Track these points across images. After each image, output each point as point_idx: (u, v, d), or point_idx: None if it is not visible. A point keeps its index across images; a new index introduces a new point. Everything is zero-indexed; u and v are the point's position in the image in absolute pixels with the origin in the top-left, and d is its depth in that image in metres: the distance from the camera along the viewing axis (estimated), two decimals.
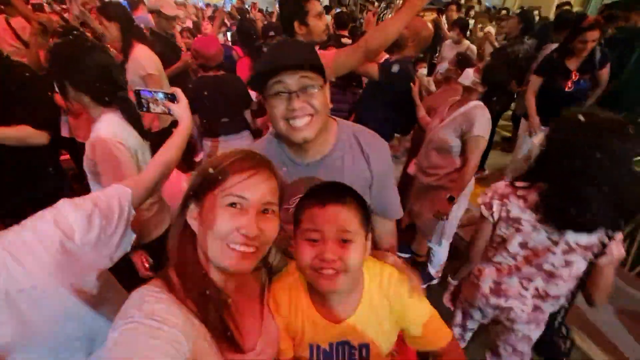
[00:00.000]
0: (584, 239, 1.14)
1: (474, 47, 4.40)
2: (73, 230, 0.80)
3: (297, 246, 0.78)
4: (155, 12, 3.15)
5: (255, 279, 0.87)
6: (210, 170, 0.69)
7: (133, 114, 1.39)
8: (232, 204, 0.68)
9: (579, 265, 1.19)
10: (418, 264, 2.72)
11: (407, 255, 2.82)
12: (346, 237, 0.74)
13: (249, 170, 0.69)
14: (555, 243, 1.18)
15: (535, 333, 1.36)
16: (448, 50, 4.42)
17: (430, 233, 2.43)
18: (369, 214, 0.82)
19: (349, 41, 3.29)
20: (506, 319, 1.37)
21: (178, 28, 4.77)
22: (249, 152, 0.74)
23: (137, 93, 1.24)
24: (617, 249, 1.14)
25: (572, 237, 1.15)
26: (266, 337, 0.80)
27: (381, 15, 6.77)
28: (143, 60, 2.42)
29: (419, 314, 0.86)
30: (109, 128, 1.31)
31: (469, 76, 2.09)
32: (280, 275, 0.91)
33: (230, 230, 0.67)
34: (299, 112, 0.87)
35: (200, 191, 0.70)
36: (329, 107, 0.94)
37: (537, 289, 1.28)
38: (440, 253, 2.52)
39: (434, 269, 2.60)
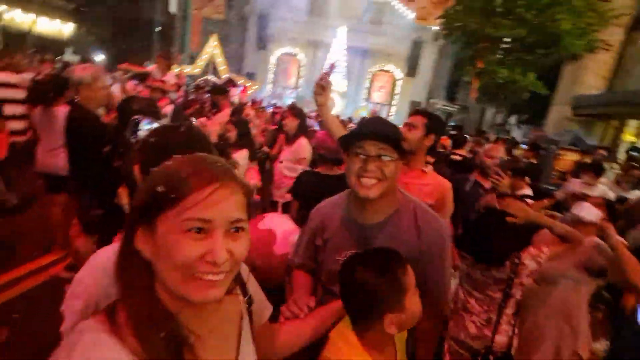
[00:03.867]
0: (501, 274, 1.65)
1: (611, 193, 4.00)
2: None
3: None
4: None
5: (229, 302, 0.72)
6: (160, 188, 0.54)
7: None
8: (194, 229, 0.54)
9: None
10: None
11: None
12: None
13: (211, 184, 0.55)
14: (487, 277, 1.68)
15: None
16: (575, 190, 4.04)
17: None
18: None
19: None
20: None
21: None
22: (205, 159, 0.60)
23: (136, 123, 1.26)
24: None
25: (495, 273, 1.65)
26: None
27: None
28: (304, 147, 3.29)
29: None
30: None
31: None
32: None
33: (194, 260, 0.54)
34: (369, 174, 1.01)
35: (148, 214, 0.56)
36: (396, 178, 1.07)
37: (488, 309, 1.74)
38: None
39: None
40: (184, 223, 0.53)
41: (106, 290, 0.69)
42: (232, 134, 3.34)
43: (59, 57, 9.75)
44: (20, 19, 12.88)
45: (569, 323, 1.75)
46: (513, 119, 14.86)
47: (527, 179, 3.88)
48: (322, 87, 1.61)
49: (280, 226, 2.36)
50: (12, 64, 3.72)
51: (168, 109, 4.28)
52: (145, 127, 1.27)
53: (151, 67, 5.88)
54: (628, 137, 9.21)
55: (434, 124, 1.86)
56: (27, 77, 4.41)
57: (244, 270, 0.81)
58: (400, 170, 1.08)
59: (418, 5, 14.08)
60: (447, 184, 1.87)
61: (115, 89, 4.70)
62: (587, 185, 3.97)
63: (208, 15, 14.30)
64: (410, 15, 15.75)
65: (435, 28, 10.81)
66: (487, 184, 2.51)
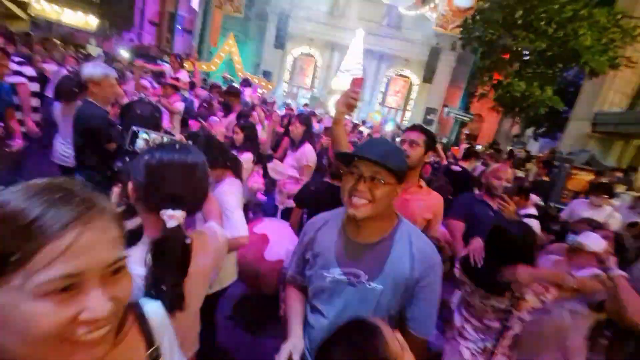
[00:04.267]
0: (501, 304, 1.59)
1: (618, 216, 3.78)
2: None
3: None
4: None
5: (121, 353, 0.57)
6: None
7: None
8: (59, 289, 0.40)
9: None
10: None
11: None
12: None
13: (73, 225, 0.41)
14: (485, 305, 1.62)
15: None
16: (580, 210, 3.83)
17: None
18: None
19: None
20: None
21: None
22: (60, 188, 0.44)
23: (135, 133, 1.27)
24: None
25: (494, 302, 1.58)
26: None
27: None
28: (309, 154, 3.35)
29: None
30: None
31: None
32: None
33: (63, 325, 0.41)
34: (359, 193, 1.03)
35: None
36: (389, 203, 1.08)
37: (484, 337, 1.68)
38: None
39: None
40: (39, 288, 0.39)
41: None
42: (239, 137, 3.38)
43: (82, 49, 10.00)
44: (47, 10, 13.30)
45: (564, 355, 1.70)
46: (530, 131, 14.54)
47: (533, 197, 3.80)
48: (350, 105, 1.50)
49: (276, 232, 2.39)
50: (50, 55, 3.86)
51: (180, 106, 4.39)
52: (142, 136, 1.30)
53: (165, 66, 5.98)
54: None
55: (432, 141, 1.93)
56: (48, 68, 4.57)
57: (162, 318, 0.72)
58: (395, 195, 1.09)
59: (438, 12, 13.91)
60: (440, 198, 1.94)
61: (130, 86, 4.82)
62: (593, 206, 3.84)
63: (227, 13, 14.45)
64: (431, 21, 15.56)
65: (454, 36, 10.67)
66: (494, 205, 2.48)
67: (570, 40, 6.93)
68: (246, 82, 7.78)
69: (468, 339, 1.70)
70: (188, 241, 0.88)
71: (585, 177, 5.45)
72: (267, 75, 16.11)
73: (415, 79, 19.12)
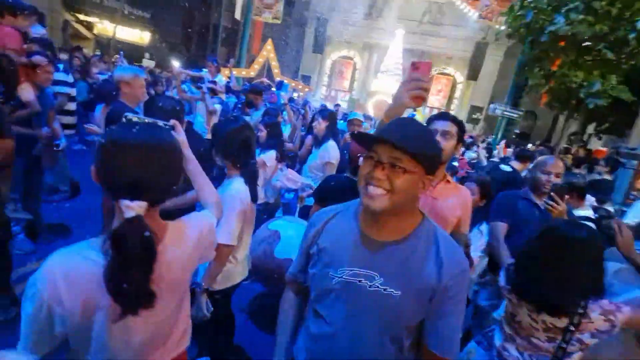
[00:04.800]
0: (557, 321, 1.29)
1: None
2: None
3: None
4: None
5: None
6: None
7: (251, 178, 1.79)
8: None
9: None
10: None
11: None
12: None
13: None
14: (535, 321, 1.33)
15: None
16: None
17: None
18: None
19: None
20: None
21: None
22: None
23: (129, 119, 1.21)
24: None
25: (547, 317, 1.30)
26: None
27: None
28: (332, 151, 3.28)
29: None
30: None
31: None
32: None
33: None
34: (376, 181, 0.87)
35: None
36: (412, 196, 0.92)
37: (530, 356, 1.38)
38: None
39: None
40: None
41: None
42: (263, 134, 3.37)
43: (138, 63, 10.91)
44: (108, 28, 14.71)
45: None
46: (591, 128, 13.05)
47: (589, 198, 3.29)
48: (418, 96, 1.11)
49: (290, 230, 2.31)
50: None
51: (216, 107, 4.56)
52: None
53: (203, 73, 6.28)
54: None
55: (462, 132, 1.75)
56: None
57: None
58: (421, 188, 0.92)
59: (482, 3, 13.10)
60: (468, 192, 1.81)
61: (174, 92, 5.13)
62: None
63: (266, 20, 14.90)
64: (474, 15, 14.72)
65: (500, 27, 9.95)
66: (540, 203, 2.14)
67: (638, 20, 6.05)
68: (280, 85, 7.90)
69: None
70: (147, 234, 0.80)
71: None
72: (305, 79, 16.31)
73: (459, 77, 18.23)
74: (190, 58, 15.16)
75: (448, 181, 1.72)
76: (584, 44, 7.32)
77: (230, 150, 1.73)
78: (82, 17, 14.15)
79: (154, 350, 0.99)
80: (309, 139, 3.86)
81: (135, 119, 1.13)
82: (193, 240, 1.01)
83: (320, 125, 3.41)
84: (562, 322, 1.28)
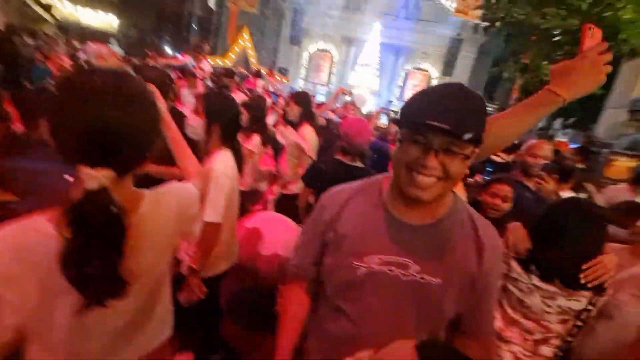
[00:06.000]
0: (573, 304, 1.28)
1: None
2: None
3: None
4: None
5: None
6: None
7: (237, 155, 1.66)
8: None
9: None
10: None
11: None
12: None
13: None
14: (549, 306, 1.30)
15: None
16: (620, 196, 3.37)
17: None
18: None
19: None
20: None
21: None
22: None
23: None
24: None
25: (563, 302, 1.28)
26: None
27: None
28: (307, 135, 3.06)
29: None
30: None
31: None
32: None
33: None
34: (428, 170, 0.74)
35: None
36: (462, 177, 0.82)
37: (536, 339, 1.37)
38: None
39: None
40: None
41: None
42: (244, 117, 3.18)
43: None
44: (68, 9, 13.69)
45: None
46: (557, 123, 13.68)
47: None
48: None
49: (270, 225, 2.17)
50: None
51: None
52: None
53: (183, 59, 6.05)
54: None
55: None
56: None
57: None
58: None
59: None
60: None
61: None
62: (632, 194, 3.36)
63: (241, 8, 14.47)
64: (450, 10, 15.00)
65: (477, 24, 10.19)
66: (531, 184, 2.20)
67: (607, 15, 6.33)
68: (258, 74, 7.66)
69: (512, 342, 1.40)
70: (115, 210, 0.64)
71: (626, 164, 4.93)
72: (283, 72, 16.03)
73: (435, 72, 18.55)
74: (161, 46, 14.44)
75: None
76: (554, 39, 7.60)
77: (221, 121, 1.58)
78: None
79: (126, 342, 0.82)
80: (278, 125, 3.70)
81: None
82: (173, 212, 0.84)
83: (293, 110, 3.26)
84: (580, 304, 1.28)
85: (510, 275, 1.39)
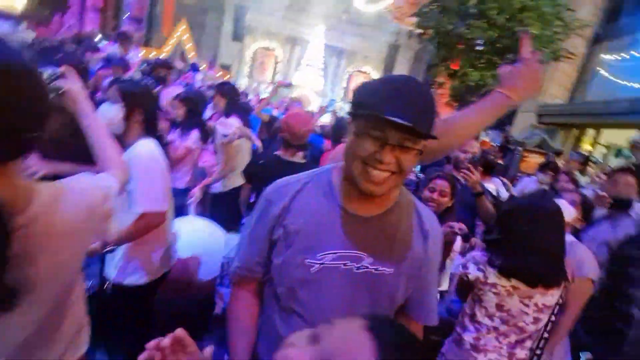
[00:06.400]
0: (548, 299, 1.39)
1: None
2: None
3: None
4: None
5: None
6: None
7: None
8: None
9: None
10: None
11: None
12: None
13: None
14: (527, 306, 1.38)
15: None
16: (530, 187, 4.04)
17: None
18: None
19: None
20: None
21: None
22: None
23: None
24: None
25: (539, 299, 1.38)
26: None
27: None
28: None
29: None
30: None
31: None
32: None
33: None
34: (383, 166, 0.74)
35: None
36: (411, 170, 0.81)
37: (510, 342, 1.44)
38: None
39: None
40: None
41: None
42: (181, 112, 3.00)
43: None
44: None
45: None
46: None
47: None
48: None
49: (202, 245, 2.10)
50: None
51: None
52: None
53: (111, 48, 5.51)
54: (585, 146, 9.65)
55: None
56: None
57: None
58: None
59: (395, 5, 14.16)
60: None
61: None
62: (541, 184, 3.94)
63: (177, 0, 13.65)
64: (388, 16, 15.84)
65: (412, 31, 10.89)
66: (461, 178, 2.44)
67: (519, 30, 7.26)
68: (194, 67, 7.29)
69: (488, 350, 1.43)
70: None
71: (536, 160, 5.70)
72: (225, 68, 15.47)
73: (375, 76, 19.42)
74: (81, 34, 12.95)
75: None
76: (477, 48, 8.47)
77: (143, 107, 1.47)
78: None
79: (30, 357, 0.72)
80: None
81: None
82: (81, 209, 0.74)
83: (220, 102, 3.17)
84: (553, 299, 1.39)
85: (487, 282, 1.40)
